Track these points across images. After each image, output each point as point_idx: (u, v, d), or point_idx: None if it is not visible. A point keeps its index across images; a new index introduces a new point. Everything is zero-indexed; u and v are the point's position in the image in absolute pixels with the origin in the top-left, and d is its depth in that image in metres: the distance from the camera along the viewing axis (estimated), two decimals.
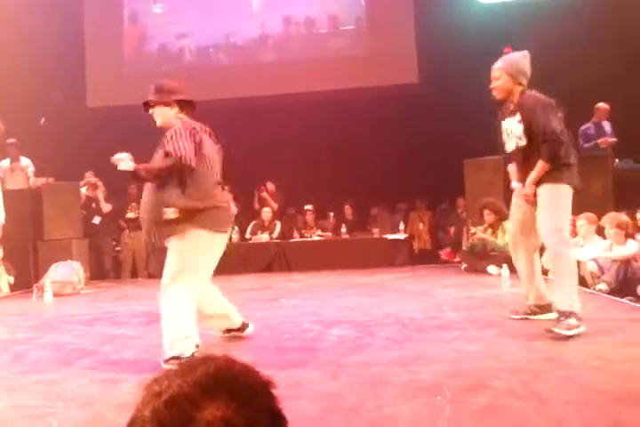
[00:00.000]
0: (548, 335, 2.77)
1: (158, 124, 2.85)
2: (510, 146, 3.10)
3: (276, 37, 9.57)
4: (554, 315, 2.96)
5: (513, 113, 3.03)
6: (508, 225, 5.64)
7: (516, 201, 3.18)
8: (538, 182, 2.96)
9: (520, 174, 3.11)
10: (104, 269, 7.22)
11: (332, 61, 9.13)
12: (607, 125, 6.58)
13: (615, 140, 6.43)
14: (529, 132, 2.95)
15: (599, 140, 6.34)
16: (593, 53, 7.44)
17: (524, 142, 3.00)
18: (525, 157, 3.03)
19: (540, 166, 2.92)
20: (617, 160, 6.33)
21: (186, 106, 2.85)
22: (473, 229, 5.93)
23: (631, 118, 6.70)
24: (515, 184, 3.19)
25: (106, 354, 2.91)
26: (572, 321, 2.77)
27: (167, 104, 2.80)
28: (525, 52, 3.11)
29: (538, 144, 2.93)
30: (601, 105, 6.51)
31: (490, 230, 5.80)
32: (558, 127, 2.90)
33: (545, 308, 3.16)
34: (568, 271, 2.89)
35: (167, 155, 2.68)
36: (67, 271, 5.64)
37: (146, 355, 2.87)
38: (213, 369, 0.72)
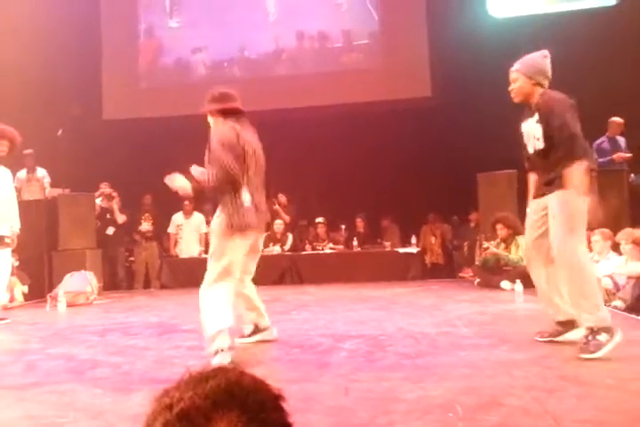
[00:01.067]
0: (563, 352, 2.72)
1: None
2: (529, 149, 2.97)
3: (289, 52, 9.68)
4: (580, 331, 2.83)
5: (531, 114, 2.91)
6: (522, 240, 5.61)
7: (530, 214, 3.06)
8: (549, 189, 2.82)
9: (538, 179, 2.97)
10: (117, 279, 7.28)
11: (345, 75, 9.21)
12: (621, 140, 6.54)
13: (630, 155, 6.38)
14: (548, 132, 2.81)
15: (614, 156, 6.30)
16: (606, 67, 7.44)
17: (541, 144, 2.86)
18: (544, 160, 2.88)
19: (574, 168, 2.69)
20: (632, 175, 6.29)
21: (231, 112, 2.96)
22: (486, 244, 5.89)
23: None
24: (531, 201, 3.05)
25: (118, 365, 2.92)
26: (602, 337, 2.62)
27: (210, 113, 3.00)
28: (545, 52, 2.98)
29: (556, 145, 2.78)
30: (615, 119, 6.48)
31: (503, 245, 5.77)
32: (577, 126, 2.75)
33: (568, 324, 2.99)
34: (587, 282, 2.71)
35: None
36: (80, 281, 5.68)
37: (158, 366, 2.87)
38: (225, 382, 0.72)
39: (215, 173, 2.80)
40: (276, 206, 7.85)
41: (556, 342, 3.00)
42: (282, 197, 7.95)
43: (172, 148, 8.87)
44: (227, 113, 2.95)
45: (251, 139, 2.98)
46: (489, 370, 2.54)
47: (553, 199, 2.82)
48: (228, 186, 2.85)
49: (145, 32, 10.14)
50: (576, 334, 2.92)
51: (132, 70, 9.98)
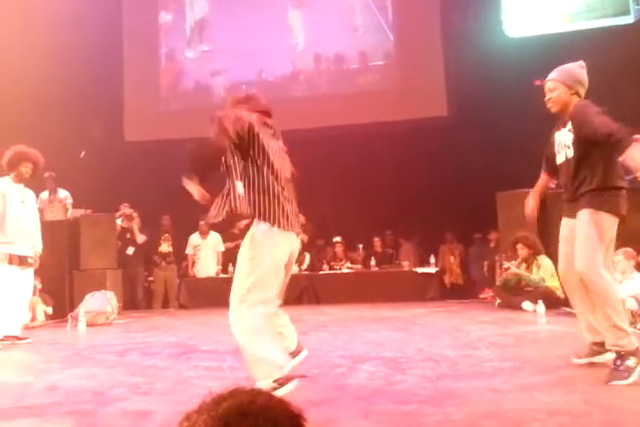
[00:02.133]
0: (588, 375, 2.66)
1: None
2: (560, 158, 2.90)
3: (306, 73, 9.84)
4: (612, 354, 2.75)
5: (564, 124, 2.85)
6: (543, 260, 5.54)
7: (562, 233, 2.96)
8: (579, 204, 2.75)
9: (568, 189, 2.88)
10: (136, 299, 7.33)
11: (361, 96, 9.32)
12: None
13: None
14: (580, 138, 2.73)
15: (638, 174, 6.21)
16: (624, 86, 7.41)
17: (572, 153, 2.79)
18: (574, 170, 2.80)
19: (631, 150, 2.58)
20: None
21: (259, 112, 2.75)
22: (506, 264, 5.82)
23: None
24: (564, 219, 2.97)
25: (137, 385, 2.92)
26: (631, 362, 2.54)
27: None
28: (582, 62, 2.92)
29: (587, 154, 2.72)
30: (638, 136, 6.41)
31: (524, 265, 5.69)
32: (614, 122, 2.65)
33: (603, 345, 2.87)
34: (611, 304, 2.65)
35: None
36: (100, 301, 5.74)
37: (177, 387, 2.87)
38: (238, 403, 0.74)
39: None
40: None
41: (595, 363, 2.92)
42: (300, 217, 7.97)
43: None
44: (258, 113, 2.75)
45: (275, 141, 2.77)
46: (511, 394, 2.49)
47: (581, 219, 2.75)
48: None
49: (166, 56, 10.42)
50: (606, 357, 2.84)
51: (153, 93, 10.22)
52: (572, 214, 2.83)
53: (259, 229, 2.60)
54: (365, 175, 8.44)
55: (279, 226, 2.60)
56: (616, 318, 2.65)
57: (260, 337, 2.55)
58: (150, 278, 7.78)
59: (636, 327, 4.06)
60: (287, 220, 2.65)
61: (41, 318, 5.81)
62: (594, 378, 2.65)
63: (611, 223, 2.72)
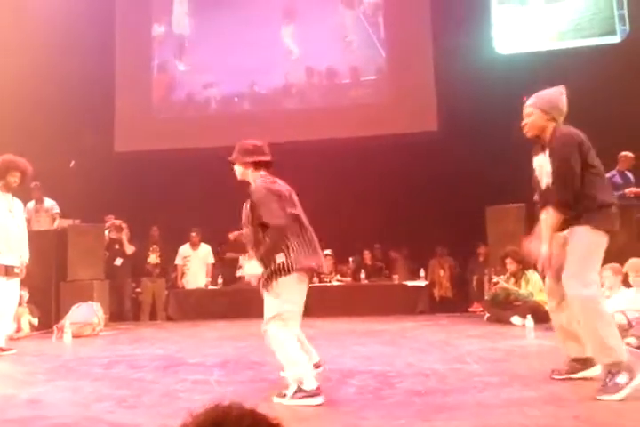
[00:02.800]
0: (577, 391, 2.66)
1: (239, 179, 3.10)
2: (544, 184, 2.92)
3: (298, 86, 9.92)
4: (597, 369, 2.77)
5: (543, 149, 2.88)
6: (532, 275, 5.57)
7: (554, 247, 2.94)
8: (570, 224, 2.77)
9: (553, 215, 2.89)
10: (123, 310, 7.24)
11: (352, 110, 9.39)
12: (631, 176, 6.56)
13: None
14: (552, 167, 2.79)
15: (627, 190, 6.29)
16: (612, 104, 7.54)
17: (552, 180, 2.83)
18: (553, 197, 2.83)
19: (549, 219, 2.75)
20: None
21: (262, 164, 3.04)
22: (495, 279, 5.84)
23: None
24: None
25: (123, 398, 2.88)
26: (621, 378, 2.53)
27: (242, 164, 3.03)
28: (562, 88, 2.95)
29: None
30: (626, 154, 6.50)
31: (512, 280, 5.71)
32: (577, 166, 2.70)
33: (587, 362, 2.90)
34: (598, 316, 2.64)
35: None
36: (87, 312, 5.67)
37: (164, 400, 2.83)
38: (213, 416, 0.79)
39: (270, 237, 2.81)
40: None
41: (573, 379, 2.92)
42: None
43: (181, 180, 9.01)
44: (258, 165, 3.03)
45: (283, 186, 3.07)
46: (501, 409, 2.48)
47: (571, 236, 2.77)
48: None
49: (158, 67, 10.45)
50: (594, 372, 2.85)
51: (144, 103, 10.23)
52: (560, 229, 2.83)
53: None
54: (356, 188, 8.47)
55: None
56: (605, 333, 2.63)
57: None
58: (138, 290, 7.70)
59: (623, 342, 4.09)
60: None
61: (26, 329, 5.72)
62: (583, 393, 2.66)
63: (602, 240, 2.74)
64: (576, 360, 2.96)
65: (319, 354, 3.03)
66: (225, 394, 2.91)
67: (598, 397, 2.54)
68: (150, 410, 2.64)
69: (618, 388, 2.53)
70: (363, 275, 7.47)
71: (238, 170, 3.07)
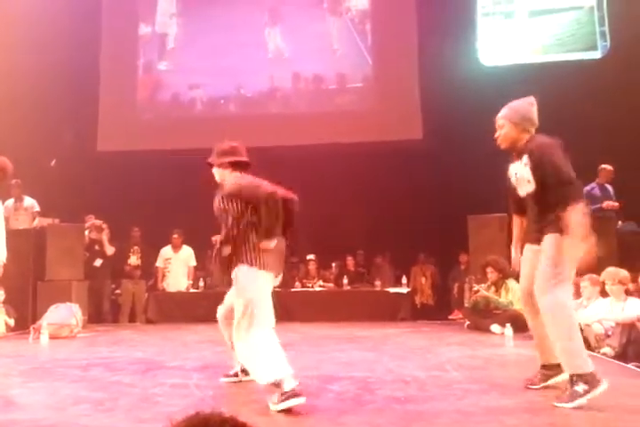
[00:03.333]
0: (554, 399, 2.69)
1: (218, 181, 3.11)
2: (522, 192, 2.93)
3: (284, 91, 9.94)
4: (565, 375, 2.77)
5: (519, 156, 2.89)
6: (512, 284, 5.64)
7: (524, 256, 3.00)
8: (545, 232, 2.77)
9: (532, 221, 2.93)
10: (102, 312, 7.15)
11: (338, 116, 9.44)
12: (610, 188, 6.69)
13: (617, 204, 6.50)
14: (538, 176, 2.78)
15: (604, 204, 6.41)
16: (593, 117, 7.70)
17: (531, 187, 2.84)
18: (535, 204, 2.86)
19: (573, 212, 2.62)
20: (620, 222, 6.40)
21: (239, 165, 3.09)
22: (476, 287, 5.90)
23: (633, 181, 6.82)
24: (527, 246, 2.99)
25: (100, 401, 2.84)
26: (579, 387, 2.58)
27: (219, 165, 3.08)
28: (531, 99, 2.98)
29: (547, 189, 2.76)
30: (605, 166, 6.63)
31: (493, 288, 5.77)
32: (570, 169, 2.73)
33: (557, 368, 2.91)
34: (568, 328, 2.67)
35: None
36: (65, 313, 5.58)
37: (142, 404, 2.80)
38: (194, 424, 0.80)
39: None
40: None
41: (549, 386, 2.95)
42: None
43: (164, 182, 8.94)
44: (235, 166, 3.07)
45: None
46: (479, 416, 2.50)
47: (546, 242, 2.78)
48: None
49: (144, 67, 10.37)
50: (562, 378, 2.87)
51: (129, 103, 10.14)
52: (537, 242, 2.85)
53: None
54: (339, 194, 8.49)
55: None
56: (569, 342, 2.66)
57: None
58: (118, 291, 7.61)
59: (599, 352, 4.16)
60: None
61: (2, 329, 5.61)
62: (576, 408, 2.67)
63: (576, 250, 2.74)
64: (544, 367, 2.99)
65: (300, 359, 3.04)
66: (204, 399, 2.89)
67: (554, 403, 2.59)
68: (128, 414, 2.61)
69: (574, 396, 2.56)
70: (345, 281, 7.48)
71: (217, 172, 3.10)
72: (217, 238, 3.08)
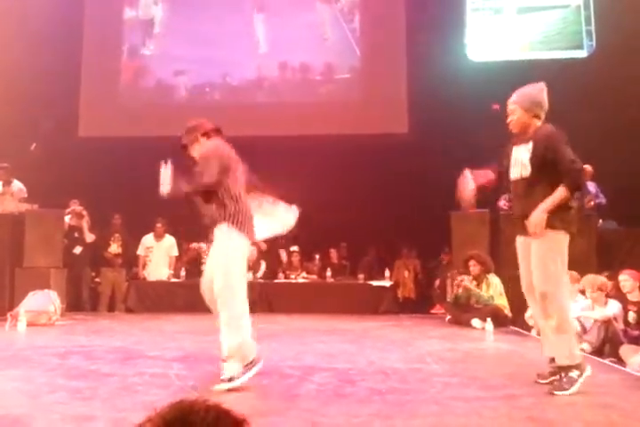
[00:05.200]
0: (532, 393, 2.74)
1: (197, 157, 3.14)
2: (514, 173, 2.98)
3: (271, 80, 9.83)
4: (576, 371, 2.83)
5: (526, 142, 2.94)
6: (493, 278, 5.70)
7: (519, 253, 3.05)
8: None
9: (519, 206, 2.98)
10: (81, 300, 7.05)
11: (324, 107, 9.37)
12: (591, 186, 6.77)
13: (603, 201, 6.58)
14: (538, 161, 2.84)
15: (585, 201, 6.50)
16: (579, 115, 7.76)
17: (528, 172, 2.89)
18: (527, 189, 2.91)
19: (559, 193, 2.75)
20: (600, 220, 6.48)
21: (212, 132, 3.17)
22: (460, 277, 5.90)
23: (614, 181, 6.89)
24: (518, 239, 3.04)
25: (78, 390, 2.80)
26: (574, 373, 2.71)
27: (193, 141, 3.15)
28: (542, 84, 3.04)
29: (543, 175, 2.83)
30: (585, 167, 6.72)
31: (474, 282, 5.81)
32: (577, 161, 2.81)
33: None
34: (565, 321, 2.79)
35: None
36: (43, 301, 5.50)
37: (120, 393, 2.77)
38: (179, 413, 0.79)
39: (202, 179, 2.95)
40: None
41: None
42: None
43: (146, 168, 8.77)
44: (208, 135, 3.15)
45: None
46: (458, 409, 2.53)
47: (536, 240, 2.84)
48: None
49: (128, 52, 10.18)
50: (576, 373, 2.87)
51: (112, 88, 9.95)
52: (526, 232, 2.90)
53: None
54: (323, 186, 8.45)
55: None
56: (567, 333, 2.79)
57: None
58: (97, 280, 7.51)
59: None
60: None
61: None
62: (537, 395, 2.73)
63: (565, 240, 2.84)
64: (554, 360, 2.98)
65: (282, 351, 3.04)
66: (184, 388, 2.87)
67: (554, 392, 2.70)
68: (106, 402, 2.58)
69: (572, 382, 2.70)
70: (329, 273, 7.48)
71: (195, 150, 3.14)
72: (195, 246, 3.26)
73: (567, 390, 2.69)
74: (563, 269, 2.87)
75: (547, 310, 2.84)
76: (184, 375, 3.18)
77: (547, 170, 2.84)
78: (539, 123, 2.97)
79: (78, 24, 9.83)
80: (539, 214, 2.79)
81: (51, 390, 2.79)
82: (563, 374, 2.74)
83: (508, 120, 3.04)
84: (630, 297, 4.36)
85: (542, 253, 2.83)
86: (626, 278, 4.41)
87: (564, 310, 2.82)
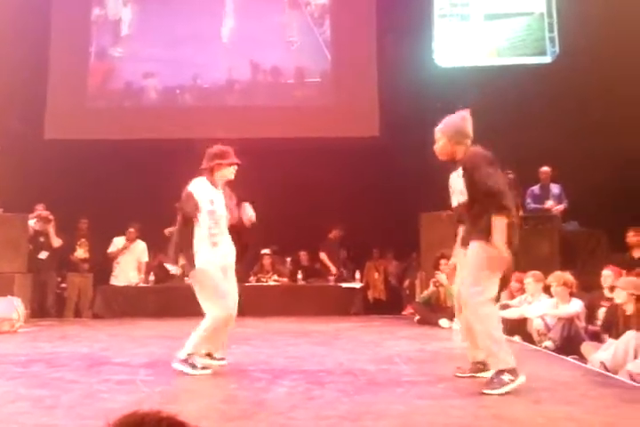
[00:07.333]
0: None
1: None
2: (454, 201, 3.13)
3: (242, 83, 9.79)
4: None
5: (455, 168, 3.08)
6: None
7: (458, 259, 3.22)
8: (472, 238, 2.95)
9: (463, 234, 3.11)
10: (46, 306, 6.89)
11: (295, 110, 9.38)
12: (556, 188, 6.95)
13: (564, 205, 6.75)
14: (469, 187, 2.95)
15: (546, 205, 6.68)
16: (543, 118, 7.96)
17: (464, 198, 3.00)
18: (467, 213, 3.02)
19: (497, 224, 2.83)
20: (562, 223, 6.66)
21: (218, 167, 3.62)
22: (438, 273, 5.92)
23: (577, 182, 7.08)
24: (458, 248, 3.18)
25: (40, 399, 2.73)
26: (505, 377, 2.80)
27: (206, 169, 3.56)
28: (464, 114, 3.15)
29: (475, 200, 2.93)
30: (543, 169, 6.96)
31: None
32: (501, 181, 2.90)
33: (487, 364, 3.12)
34: (493, 328, 2.90)
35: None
36: (6, 307, 5.36)
37: (85, 401, 2.71)
38: (130, 423, 0.80)
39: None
40: None
41: (477, 377, 3.10)
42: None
43: (115, 173, 8.66)
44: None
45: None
46: (426, 408, 2.56)
47: (469, 249, 2.99)
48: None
49: (96, 54, 10.00)
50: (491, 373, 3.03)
51: (79, 90, 9.75)
52: (465, 244, 3.05)
53: None
54: (294, 188, 8.45)
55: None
56: (493, 343, 2.89)
57: None
58: (63, 285, 7.34)
59: (541, 346, 4.32)
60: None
61: None
62: (503, 395, 2.78)
63: (496, 256, 2.88)
64: (477, 362, 3.17)
65: (252, 354, 3.03)
66: (151, 395, 2.83)
67: (484, 390, 2.78)
68: (69, 411, 2.52)
69: (502, 384, 2.78)
70: (300, 275, 7.48)
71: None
72: (169, 230, 3.29)
73: (496, 389, 2.77)
74: (490, 280, 2.94)
75: (469, 317, 2.98)
76: (151, 381, 3.14)
77: (475, 193, 2.94)
78: (462, 149, 3.08)
79: (45, 24, 9.61)
80: (503, 253, 2.85)
81: (12, 400, 2.72)
82: (495, 376, 2.84)
83: (435, 147, 3.18)
84: (606, 293, 4.49)
85: (475, 264, 2.92)
86: (608, 274, 4.54)
87: (488, 321, 2.91)
